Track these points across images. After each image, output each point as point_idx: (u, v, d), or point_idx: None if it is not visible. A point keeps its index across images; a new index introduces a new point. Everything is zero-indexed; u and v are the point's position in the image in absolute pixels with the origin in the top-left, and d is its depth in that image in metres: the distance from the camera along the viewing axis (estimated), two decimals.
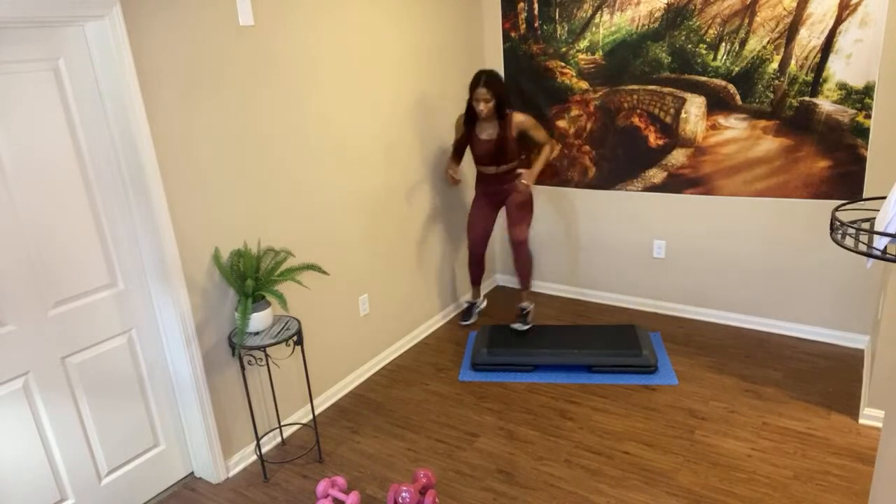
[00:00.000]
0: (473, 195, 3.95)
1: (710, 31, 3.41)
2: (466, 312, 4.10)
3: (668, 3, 3.49)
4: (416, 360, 3.69)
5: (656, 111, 3.70)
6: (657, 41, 3.58)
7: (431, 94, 3.77)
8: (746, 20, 3.30)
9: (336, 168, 3.14)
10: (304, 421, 3.14)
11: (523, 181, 3.60)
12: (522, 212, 3.72)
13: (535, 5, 3.92)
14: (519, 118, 3.55)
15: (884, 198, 1.57)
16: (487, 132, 3.57)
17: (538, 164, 3.62)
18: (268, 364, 2.79)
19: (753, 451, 2.69)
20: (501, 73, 4.18)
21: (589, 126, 3.95)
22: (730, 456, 2.67)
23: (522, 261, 3.79)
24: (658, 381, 3.26)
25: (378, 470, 2.75)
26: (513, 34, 4.07)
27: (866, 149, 3.16)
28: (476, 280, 4.06)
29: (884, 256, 1.41)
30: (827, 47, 3.13)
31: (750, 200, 3.55)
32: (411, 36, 3.54)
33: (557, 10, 3.85)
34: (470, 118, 3.57)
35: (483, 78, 3.38)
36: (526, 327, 3.70)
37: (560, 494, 2.53)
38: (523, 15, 3.99)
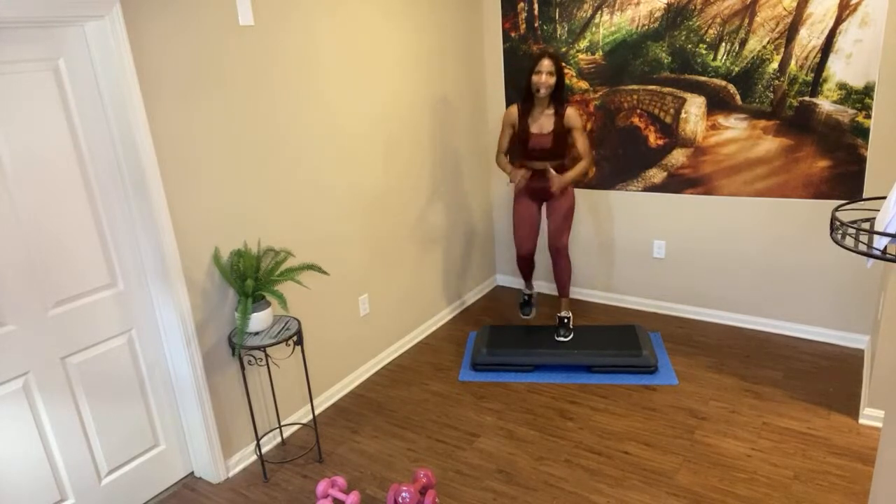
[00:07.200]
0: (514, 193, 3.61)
1: (710, 31, 3.41)
2: (526, 305, 3.83)
3: (668, 3, 3.49)
4: (416, 360, 3.69)
5: (656, 111, 3.70)
6: (657, 41, 3.58)
7: (432, 93, 3.77)
8: (746, 20, 3.30)
9: (336, 168, 3.15)
10: (304, 421, 3.14)
11: (554, 186, 3.34)
12: (567, 219, 3.52)
13: (535, 5, 3.92)
14: (572, 111, 3.32)
15: (884, 198, 1.57)
16: (539, 123, 3.34)
17: (572, 173, 3.34)
18: (268, 364, 2.79)
19: (753, 451, 2.69)
20: (501, 72, 4.19)
21: (589, 126, 3.95)
22: (730, 456, 2.67)
23: (562, 268, 3.59)
24: (658, 381, 3.26)
25: (378, 470, 2.75)
26: (513, 34, 4.07)
27: (866, 149, 3.16)
28: (528, 276, 3.79)
29: (884, 256, 1.40)
30: (827, 47, 3.13)
31: (750, 200, 3.55)
32: (411, 35, 3.54)
33: (557, 10, 3.85)
34: (523, 105, 3.35)
35: (548, 52, 3.25)
36: (568, 337, 3.54)
37: (560, 494, 2.53)
38: (523, 15, 3.99)
